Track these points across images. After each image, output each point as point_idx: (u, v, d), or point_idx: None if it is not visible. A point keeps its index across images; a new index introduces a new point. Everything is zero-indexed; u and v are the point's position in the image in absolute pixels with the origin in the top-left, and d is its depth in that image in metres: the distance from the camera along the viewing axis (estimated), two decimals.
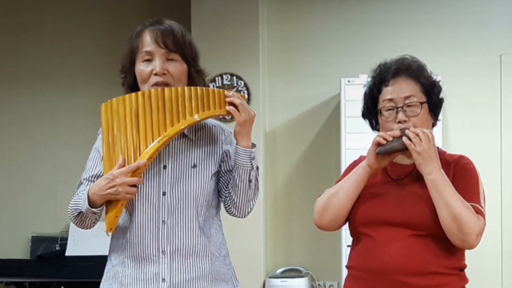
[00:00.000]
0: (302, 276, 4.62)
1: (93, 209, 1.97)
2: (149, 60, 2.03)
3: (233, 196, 2.05)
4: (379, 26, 4.71)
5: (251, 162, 2.01)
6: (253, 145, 2.04)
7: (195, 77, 2.08)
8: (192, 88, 1.99)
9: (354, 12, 4.76)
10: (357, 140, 3.97)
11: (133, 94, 1.99)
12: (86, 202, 1.97)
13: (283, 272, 4.71)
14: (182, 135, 2.06)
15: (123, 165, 1.95)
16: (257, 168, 2.06)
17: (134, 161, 1.95)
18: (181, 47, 2.03)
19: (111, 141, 1.99)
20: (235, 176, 2.03)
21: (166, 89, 1.98)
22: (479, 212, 2.00)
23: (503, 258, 4.53)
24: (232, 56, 4.62)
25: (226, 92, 2.00)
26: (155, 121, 1.97)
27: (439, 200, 1.96)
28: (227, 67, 4.63)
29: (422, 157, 1.99)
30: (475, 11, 4.62)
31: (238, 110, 1.98)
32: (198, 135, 2.09)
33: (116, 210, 1.97)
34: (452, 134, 4.53)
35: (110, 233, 2.00)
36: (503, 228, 4.52)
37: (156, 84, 2.01)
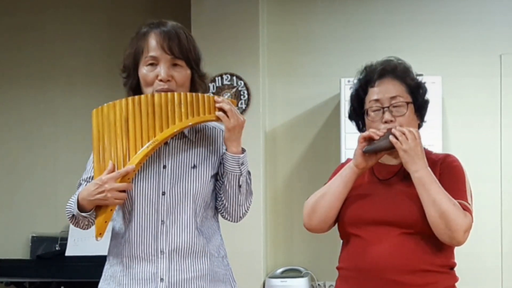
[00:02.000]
0: (302, 276, 4.62)
1: (82, 214, 1.98)
2: (153, 64, 2.02)
3: (224, 201, 2.06)
4: (379, 26, 4.71)
5: (239, 168, 2.01)
6: (243, 151, 2.03)
7: (198, 82, 2.08)
8: (182, 93, 1.99)
9: (354, 12, 4.76)
10: (357, 140, 3.97)
11: (123, 100, 2.00)
12: (75, 206, 1.98)
13: (283, 272, 4.71)
14: (182, 135, 2.06)
15: (113, 171, 1.95)
16: (249, 173, 2.06)
17: (124, 166, 1.95)
18: (186, 53, 2.03)
19: (101, 146, 2.00)
20: (225, 181, 2.03)
21: (156, 95, 1.98)
22: (466, 209, 2.00)
23: (503, 258, 4.53)
24: (232, 56, 4.62)
25: (216, 97, 2.00)
26: (145, 126, 1.97)
27: (426, 197, 1.97)
28: (227, 67, 4.63)
29: (409, 155, 1.99)
30: (475, 11, 4.62)
31: (227, 116, 1.97)
32: (199, 136, 2.09)
33: (105, 215, 1.97)
34: (452, 134, 4.53)
35: (100, 238, 1.98)
36: (503, 228, 4.52)
37: (161, 90, 2.00)
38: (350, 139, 4.24)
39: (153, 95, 1.98)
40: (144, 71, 2.03)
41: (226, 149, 2.03)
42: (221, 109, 1.98)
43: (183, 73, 2.04)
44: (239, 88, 4.64)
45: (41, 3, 5.17)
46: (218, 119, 1.99)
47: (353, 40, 4.73)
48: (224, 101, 1.99)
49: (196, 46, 2.08)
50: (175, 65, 2.03)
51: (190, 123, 1.98)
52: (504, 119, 4.56)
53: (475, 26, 4.61)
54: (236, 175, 2.01)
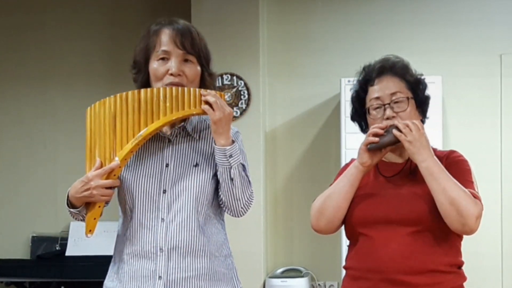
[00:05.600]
0: (302, 276, 4.62)
1: (72, 210, 2.01)
2: (164, 59, 2.03)
3: (221, 196, 2.05)
4: (379, 26, 4.71)
5: (228, 160, 1.99)
6: (232, 143, 2.01)
7: (207, 80, 2.09)
8: (168, 88, 1.99)
9: (354, 12, 4.76)
10: (357, 140, 3.96)
11: (112, 97, 2.00)
12: (65, 203, 2.01)
13: (283, 272, 4.71)
14: (186, 134, 2.07)
15: (100, 168, 1.96)
16: (243, 166, 2.03)
17: (110, 163, 1.97)
18: (197, 50, 2.04)
19: (92, 144, 2.01)
20: (218, 175, 2.02)
21: (143, 90, 1.98)
22: (476, 197, 2.00)
23: (503, 258, 4.53)
24: (232, 56, 4.62)
25: (202, 90, 1.99)
26: (130, 122, 1.98)
27: (436, 186, 1.96)
28: (227, 67, 4.63)
29: (414, 146, 1.99)
30: (475, 11, 4.62)
31: (213, 109, 1.96)
32: (202, 134, 2.09)
33: (94, 212, 1.99)
34: (452, 134, 4.53)
35: (89, 235, 2.00)
36: (503, 228, 4.52)
37: (171, 84, 2.01)
38: (350, 139, 4.24)
39: (139, 91, 1.99)
40: (154, 65, 2.04)
41: (214, 142, 2.02)
42: (206, 102, 1.97)
43: (193, 69, 2.05)
44: (239, 88, 4.64)
45: (41, 3, 5.17)
46: (204, 112, 1.98)
47: (353, 40, 4.73)
48: (210, 93, 1.98)
49: (206, 44, 2.09)
50: (186, 60, 2.03)
51: (174, 118, 1.98)
52: (504, 119, 4.56)
53: (475, 26, 4.61)
54: (226, 167, 2.00)
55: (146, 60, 2.06)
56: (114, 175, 1.97)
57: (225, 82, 4.65)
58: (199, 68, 2.06)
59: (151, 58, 2.05)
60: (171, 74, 2.01)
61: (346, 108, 4.29)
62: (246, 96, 4.63)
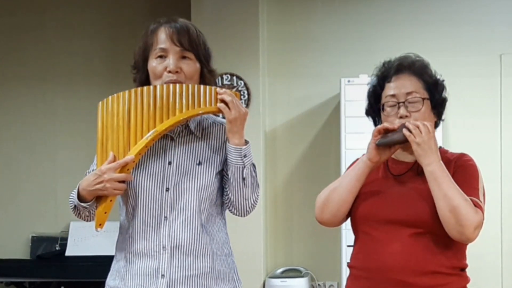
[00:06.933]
0: (302, 276, 4.62)
1: (82, 204, 1.99)
2: (162, 57, 2.03)
3: (229, 195, 2.05)
4: (379, 26, 4.71)
5: (242, 160, 1.99)
6: (246, 143, 2.02)
7: (207, 77, 2.09)
8: (184, 85, 1.99)
9: (354, 12, 4.76)
10: (357, 140, 3.96)
11: (127, 92, 2.00)
12: (76, 196, 2.00)
13: (283, 272, 4.71)
14: (188, 132, 2.07)
15: (113, 161, 1.96)
16: (254, 166, 2.05)
17: (124, 157, 1.96)
18: (195, 46, 2.04)
19: (105, 138, 2.00)
20: (229, 174, 2.02)
21: (159, 86, 1.98)
22: (478, 206, 1.99)
23: (503, 258, 4.53)
24: (232, 56, 4.62)
25: (218, 89, 1.99)
26: (146, 118, 1.97)
27: (438, 191, 1.96)
28: (227, 67, 4.63)
29: (422, 148, 1.98)
30: (475, 11, 4.62)
31: (229, 107, 1.97)
32: (205, 133, 2.09)
33: (105, 205, 1.99)
34: (452, 134, 4.53)
35: (99, 229, 2.00)
36: (503, 228, 4.52)
37: (169, 82, 2.01)
38: (350, 139, 4.24)
39: (155, 87, 1.99)
40: (153, 64, 2.04)
41: (228, 141, 2.02)
42: (222, 101, 1.98)
43: (192, 66, 2.04)
44: (239, 88, 4.64)
45: (41, 3, 5.17)
46: (219, 110, 1.98)
47: (353, 40, 4.73)
48: (226, 92, 1.98)
49: (205, 42, 2.09)
50: (184, 58, 2.03)
51: (190, 114, 1.98)
52: (504, 119, 4.56)
53: (475, 26, 4.61)
54: (239, 167, 2.00)
55: (144, 59, 2.06)
56: (128, 169, 1.96)
57: (225, 82, 4.65)
58: (198, 65, 2.06)
59: (150, 56, 2.05)
60: (169, 72, 2.01)
61: (346, 108, 4.30)
62: (246, 96, 4.63)
